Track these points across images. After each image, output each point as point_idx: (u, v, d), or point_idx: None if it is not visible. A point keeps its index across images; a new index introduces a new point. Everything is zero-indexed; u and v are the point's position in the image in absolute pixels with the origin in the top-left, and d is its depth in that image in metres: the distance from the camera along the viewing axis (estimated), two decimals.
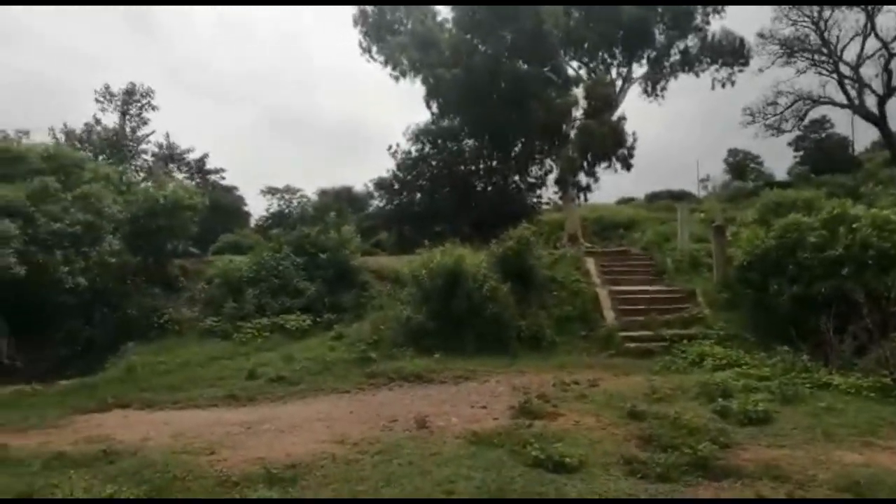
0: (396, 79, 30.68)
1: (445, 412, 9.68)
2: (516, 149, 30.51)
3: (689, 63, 33.01)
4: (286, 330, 16.69)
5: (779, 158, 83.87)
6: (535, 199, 31.27)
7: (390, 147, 31.52)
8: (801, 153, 44.01)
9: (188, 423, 10.07)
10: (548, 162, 30.64)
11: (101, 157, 29.04)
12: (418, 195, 31.27)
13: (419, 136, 31.28)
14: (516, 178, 31.08)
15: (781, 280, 13.70)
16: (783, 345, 12.17)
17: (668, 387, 10.44)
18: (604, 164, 28.87)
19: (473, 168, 31.03)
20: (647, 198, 44.93)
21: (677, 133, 79.22)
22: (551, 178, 30.53)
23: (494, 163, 30.73)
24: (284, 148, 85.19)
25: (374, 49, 31.22)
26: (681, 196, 41.49)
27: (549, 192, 31.51)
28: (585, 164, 28.72)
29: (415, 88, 30.58)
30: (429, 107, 30.51)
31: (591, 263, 19.17)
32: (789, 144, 44.66)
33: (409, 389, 11.74)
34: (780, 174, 42.50)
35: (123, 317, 17.54)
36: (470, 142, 31.24)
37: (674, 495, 6.10)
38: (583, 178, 29.40)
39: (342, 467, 7.18)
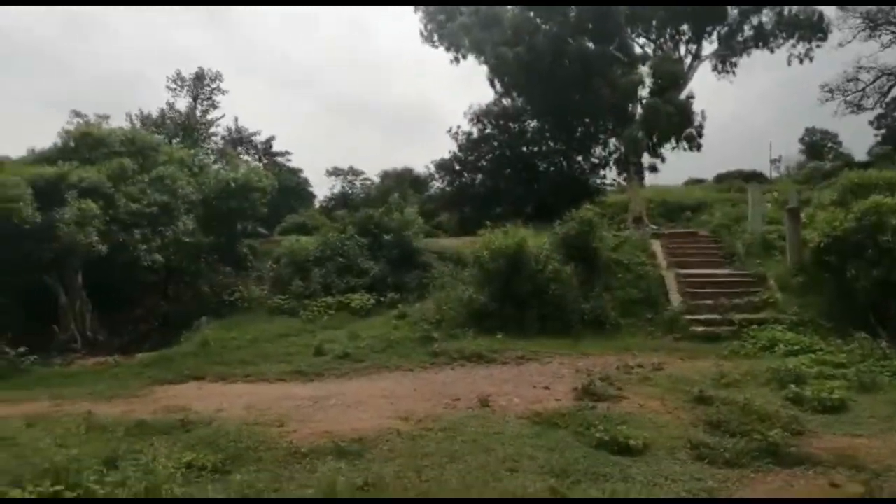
0: (457, 60, 30.53)
1: (507, 392, 9.73)
2: (580, 129, 30.04)
3: (763, 38, 31.53)
4: (351, 308, 17.06)
5: (859, 138, 79.89)
6: (598, 181, 30.81)
7: (451, 129, 31.56)
8: (882, 131, 41.68)
9: (259, 396, 10.45)
10: (612, 142, 30.07)
11: (174, 141, 30.13)
12: (479, 176, 31.25)
13: (480, 116, 31.16)
14: (579, 158, 30.66)
15: (861, 264, 13.09)
16: (861, 331, 11.68)
17: (737, 372, 10.19)
18: (670, 144, 28.07)
19: (536, 149, 30.74)
20: (715, 179, 43.51)
21: (749, 111, 76.45)
22: (615, 158, 29.97)
23: (557, 143, 30.37)
24: (348, 131, 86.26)
25: (436, 34, 31.14)
26: (752, 177, 39.94)
27: (613, 173, 30.97)
28: (651, 144, 27.98)
29: (477, 70, 30.51)
30: (493, 85, 30.30)
31: (657, 246, 18.78)
32: (870, 123, 42.32)
33: (471, 369, 11.84)
34: (860, 154, 40.45)
35: (197, 294, 18.31)
36: (532, 122, 30.94)
37: (742, 482, 5.98)
38: (648, 159, 28.70)
39: (407, 443, 7.33)
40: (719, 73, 32.93)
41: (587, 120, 29.64)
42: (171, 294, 18.49)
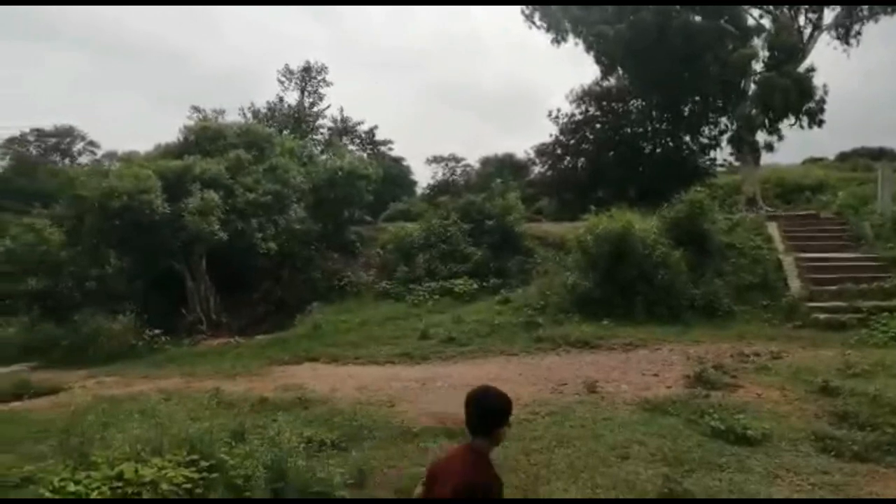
0: (558, 42, 29.90)
1: (615, 379, 9.60)
2: (688, 108, 28.78)
3: (893, 4, 28.94)
4: (454, 293, 17.32)
5: None
6: (708, 161, 29.43)
7: (551, 112, 31.07)
8: None
9: (369, 377, 10.87)
10: (723, 121, 28.59)
11: (284, 132, 31.47)
12: (581, 160, 30.60)
13: (582, 98, 30.45)
14: (687, 138, 29.38)
15: None
16: None
17: (865, 362, 9.52)
18: (787, 121, 26.35)
19: (640, 130, 29.75)
20: (838, 157, 40.52)
21: (877, 85, 70.41)
22: (726, 137, 28.50)
23: (663, 123, 29.25)
24: (449, 118, 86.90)
25: (537, 14, 30.64)
26: (880, 154, 36.88)
27: (725, 153, 29.46)
28: (766, 121, 26.38)
29: (578, 51, 29.70)
30: (601, 63, 29.52)
31: (773, 228, 17.77)
32: None
33: (576, 355, 11.74)
34: None
35: (308, 279, 19.14)
36: (637, 102, 29.93)
37: (872, 476, 5.65)
38: (763, 137, 27.09)
39: (515, 426, 7.27)
40: (840, 42, 30.55)
41: (696, 98, 28.33)
42: (284, 279, 19.42)
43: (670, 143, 29.12)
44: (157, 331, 15.36)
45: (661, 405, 7.79)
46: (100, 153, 47.64)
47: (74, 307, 16.77)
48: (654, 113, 29.19)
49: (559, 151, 30.99)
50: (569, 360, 11.43)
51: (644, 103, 29.40)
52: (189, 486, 5.69)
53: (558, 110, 30.82)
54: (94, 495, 5.06)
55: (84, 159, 48.26)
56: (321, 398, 9.10)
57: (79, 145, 50.99)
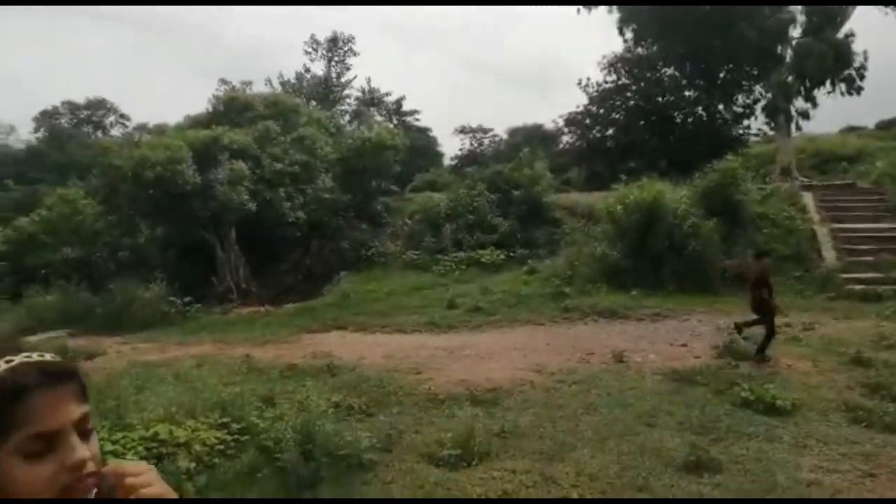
0: (588, 9, 29.22)
1: (643, 348, 9.55)
2: (721, 75, 28.06)
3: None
4: (481, 264, 17.32)
5: None
6: (741, 130, 28.76)
7: (580, 81, 30.52)
8: None
9: (396, 345, 10.96)
10: (757, 88, 27.84)
11: (312, 103, 31.48)
12: (611, 130, 30.12)
13: (612, 66, 29.85)
14: (720, 107, 28.70)
15: None
16: None
17: None
18: (824, 89, 25.55)
19: (672, 98, 29.11)
20: (878, 125, 39.24)
21: None
22: (761, 106, 27.74)
23: (696, 92, 28.59)
24: (475, 88, 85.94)
25: None
26: None
27: (759, 122, 28.73)
28: (802, 88, 25.62)
29: (609, 19, 29.00)
30: (621, 34, 28.91)
31: (808, 199, 17.38)
32: None
33: (604, 325, 11.70)
34: None
35: (336, 249, 19.27)
36: (668, 70, 29.25)
37: None
38: (798, 105, 26.32)
39: (541, 393, 7.43)
40: (885, 6, 29.40)
41: (730, 65, 27.60)
42: (312, 249, 19.59)
43: (703, 112, 28.48)
44: (188, 299, 15.63)
45: (690, 375, 7.74)
46: (131, 125, 48.21)
47: (109, 276, 17.15)
48: (686, 81, 28.52)
49: (588, 121, 30.51)
50: (596, 329, 11.41)
51: (676, 71, 28.73)
52: (221, 447, 5.85)
53: (588, 79, 30.26)
54: (129, 455, 5.21)
55: (115, 132, 48.89)
56: (349, 365, 9.21)
57: (110, 118, 51.60)
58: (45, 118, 48.90)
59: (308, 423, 5.73)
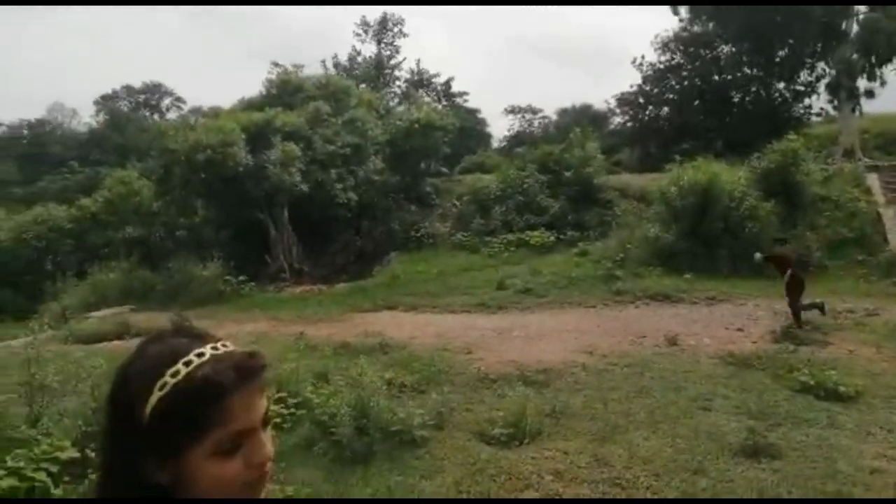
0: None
1: (697, 332, 9.38)
2: (781, 53, 27.01)
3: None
4: (531, 245, 17.23)
5: None
6: (802, 110, 27.71)
7: (635, 59, 29.83)
8: None
9: (446, 325, 11.03)
10: (820, 66, 26.73)
11: (361, 85, 31.66)
12: (665, 110, 29.45)
13: (668, 44, 29.08)
14: (780, 86, 27.70)
15: None
16: None
17: None
18: (891, 66, 24.36)
19: (730, 77, 28.22)
20: None
21: None
22: (823, 84, 26.63)
23: (754, 70, 27.63)
24: (524, 69, 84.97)
25: None
26: None
27: (821, 101, 27.60)
28: (867, 66, 24.49)
29: None
30: (675, 13, 28.13)
31: (873, 180, 16.69)
32: None
33: (656, 308, 11.52)
34: None
35: (386, 230, 19.44)
36: (725, 48, 28.33)
37: None
38: (863, 84, 25.15)
39: (593, 375, 7.38)
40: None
41: (790, 42, 26.55)
42: (363, 230, 19.81)
43: (761, 91, 27.53)
44: (242, 278, 16.02)
45: (747, 359, 7.57)
46: (186, 108, 49.40)
47: (167, 254, 17.70)
48: (744, 59, 27.57)
49: (642, 101, 29.90)
50: (648, 312, 11.24)
51: (734, 49, 27.80)
52: (278, 420, 6.00)
53: (642, 57, 29.59)
54: None
55: (171, 114, 50.19)
56: (400, 344, 9.31)
57: (166, 101, 52.99)
58: (105, 102, 50.50)
59: (362, 400, 5.82)
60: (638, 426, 5.77)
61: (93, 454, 4.87)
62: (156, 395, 0.88)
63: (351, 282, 16.31)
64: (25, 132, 47.88)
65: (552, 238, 17.46)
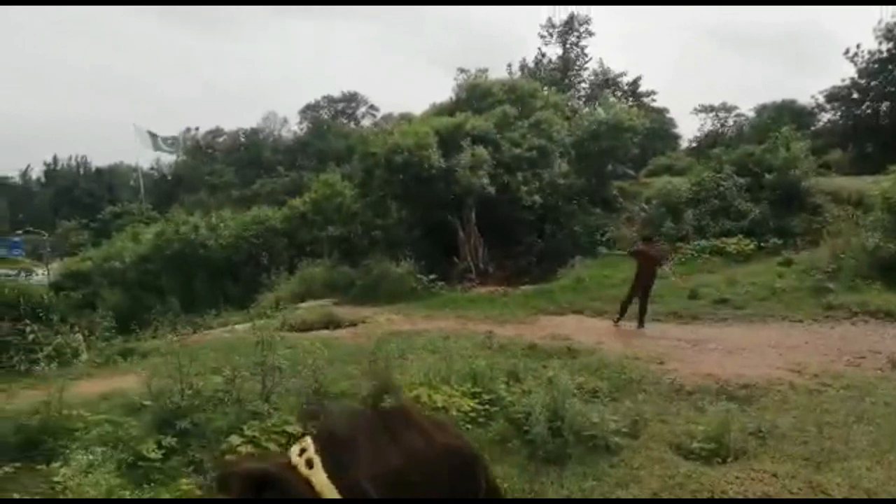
0: None
1: None
2: None
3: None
4: (726, 253, 16.26)
5: None
6: None
7: (848, 50, 26.93)
8: None
9: (635, 333, 10.78)
10: None
11: (547, 88, 31.70)
12: (885, 105, 26.29)
13: (890, 32, 25.90)
14: None
15: None
16: None
17: None
18: None
19: None
20: None
21: None
22: None
23: None
24: (716, 63, 79.98)
25: None
26: None
27: None
28: None
29: None
30: None
31: None
32: None
33: (876, 326, 10.38)
34: None
35: (570, 233, 19.34)
36: None
37: None
38: None
39: (803, 395, 6.86)
40: None
41: None
42: (547, 233, 19.87)
43: None
44: (432, 276, 16.78)
45: None
46: (379, 115, 52.68)
47: (364, 252, 18.99)
48: None
49: (857, 95, 26.95)
50: (866, 330, 10.17)
51: None
52: (473, 415, 6.28)
53: (858, 47, 26.66)
54: None
55: (366, 122, 53.81)
56: (588, 349, 9.26)
57: (362, 109, 56.88)
58: (308, 111, 55.34)
59: (556, 401, 5.90)
60: (859, 454, 5.28)
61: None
62: None
63: (534, 284, 16.44)
64: (242, 139, 53.98)
65: (751, 245, 16.31)
